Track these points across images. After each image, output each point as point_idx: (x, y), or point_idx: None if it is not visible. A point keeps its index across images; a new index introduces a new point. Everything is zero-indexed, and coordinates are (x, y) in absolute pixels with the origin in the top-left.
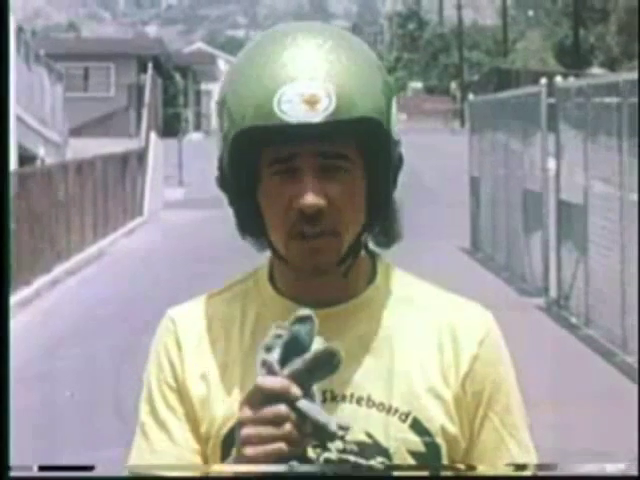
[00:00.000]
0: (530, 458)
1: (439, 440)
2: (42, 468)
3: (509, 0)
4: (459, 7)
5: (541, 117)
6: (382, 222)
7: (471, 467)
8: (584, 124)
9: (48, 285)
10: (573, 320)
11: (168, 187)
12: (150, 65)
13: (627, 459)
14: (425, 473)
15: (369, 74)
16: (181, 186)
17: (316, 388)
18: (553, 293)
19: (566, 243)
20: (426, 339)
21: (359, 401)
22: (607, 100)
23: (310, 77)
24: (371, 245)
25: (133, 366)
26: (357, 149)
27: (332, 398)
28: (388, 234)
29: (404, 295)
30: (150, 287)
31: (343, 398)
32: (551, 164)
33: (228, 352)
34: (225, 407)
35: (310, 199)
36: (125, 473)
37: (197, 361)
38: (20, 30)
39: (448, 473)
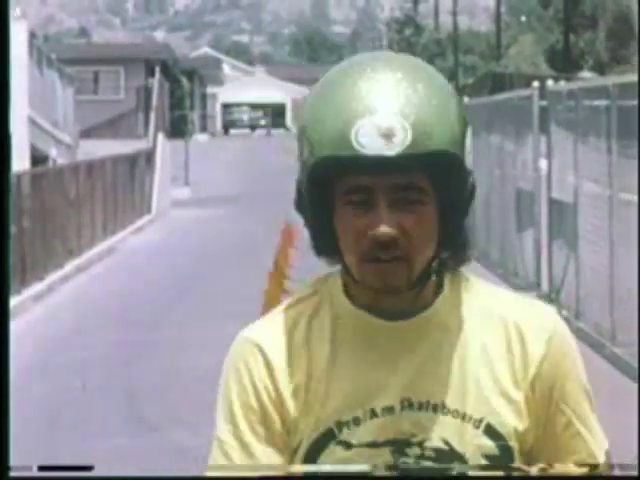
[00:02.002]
0: (604, 444)
1: (512, 443)
2: (42, 468)
3: (503, 7)
4: (454, 13)
5: (533, 119)
6: (453, 249)
7: (545, 468)
8: (574, 126)
9: (60, 280)
10: (564, 313)
11: (175, 186)
12: (158, 69)
13: (627, 459)
14: (500, 473)
15: (445, 105)
16: (187, 185)
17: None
18: (545, 287)
19: (557, 240)
20: (495, 343)
21: (435, 409)
22: (596, 103)
23: (387, 110)
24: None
25: (141, 360)
26: (431, 181)
27: (409, 406)
28: (458, 259)
29: (471, 302)
30: (158, 281)
31: (420, 406)
32: (543, 164)
33: (311, 366)
34: (310, 421)
35: (384, 229)
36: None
37: (289, 379)
38: (33, 36)
39: (517, 473)
